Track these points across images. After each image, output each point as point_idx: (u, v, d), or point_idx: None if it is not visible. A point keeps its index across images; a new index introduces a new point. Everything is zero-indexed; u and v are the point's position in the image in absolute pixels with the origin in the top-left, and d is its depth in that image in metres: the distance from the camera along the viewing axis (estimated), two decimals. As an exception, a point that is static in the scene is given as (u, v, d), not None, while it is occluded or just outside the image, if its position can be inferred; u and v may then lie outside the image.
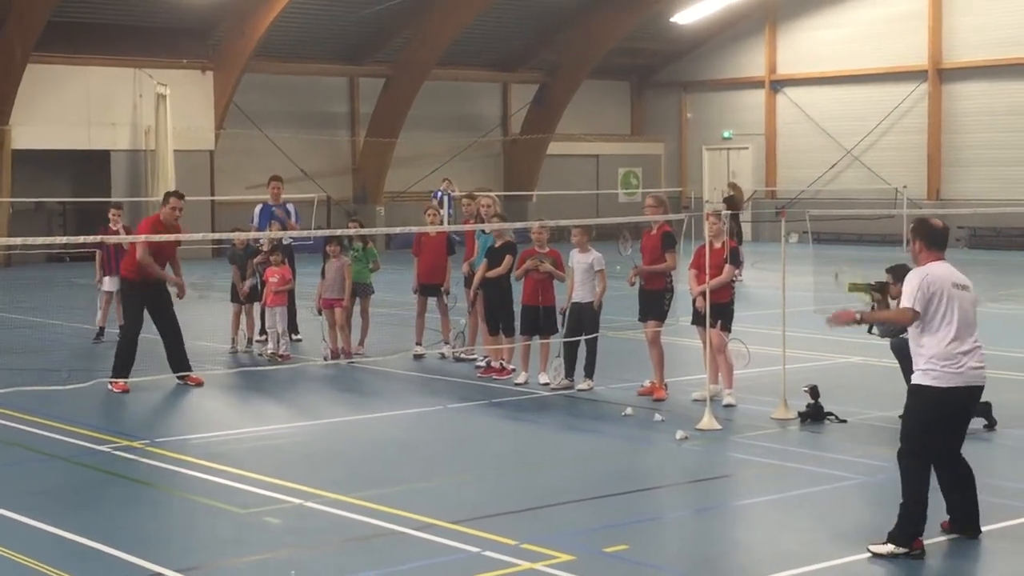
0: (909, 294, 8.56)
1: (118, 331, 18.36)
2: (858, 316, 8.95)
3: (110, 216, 18.82)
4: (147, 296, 14.81)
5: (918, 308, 8.50)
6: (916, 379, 8.59)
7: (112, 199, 29.43)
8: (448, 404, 13.85)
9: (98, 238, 17.65)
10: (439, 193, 33.58)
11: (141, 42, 34.03)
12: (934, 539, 8.62)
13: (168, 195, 15.42)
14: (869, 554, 8.32)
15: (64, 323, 20.49)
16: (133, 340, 14.73)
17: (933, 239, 8.75)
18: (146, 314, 14.85)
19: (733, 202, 28.92)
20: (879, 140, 39.11)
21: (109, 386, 14.49)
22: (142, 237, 14.64)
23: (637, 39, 41.76)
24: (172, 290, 15.00)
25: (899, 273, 11.97)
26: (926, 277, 8.54)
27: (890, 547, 8.34)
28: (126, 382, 14.55)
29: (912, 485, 8.49)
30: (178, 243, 15.34)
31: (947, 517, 8.83)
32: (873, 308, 11.04)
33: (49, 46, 31.86)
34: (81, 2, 32.95)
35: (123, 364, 14.65)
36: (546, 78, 41.92)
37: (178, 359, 14.99)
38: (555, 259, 14.80)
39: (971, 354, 8.54)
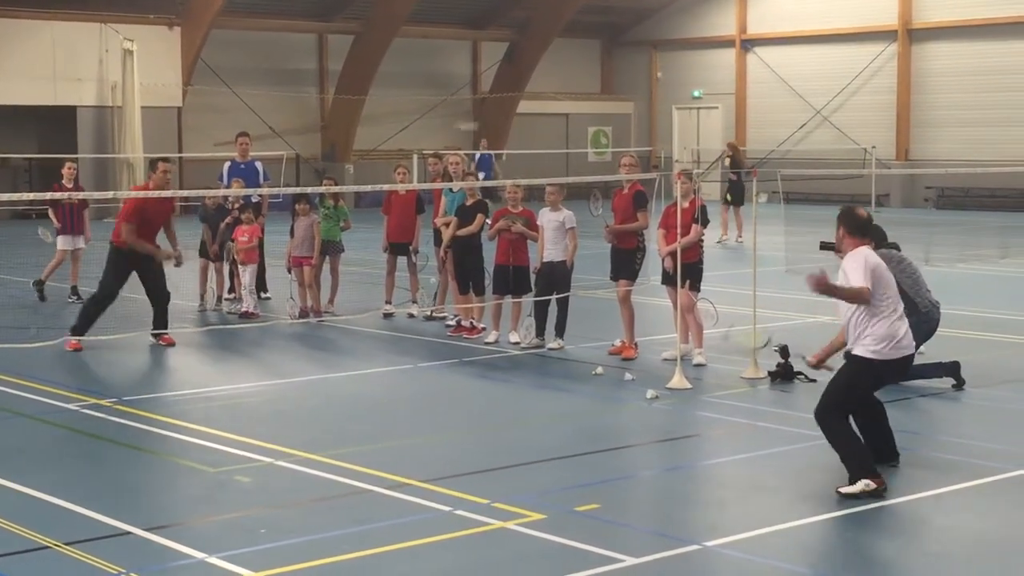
0: (858, 273, 8.82)
1: (70, 290, 18.31)
2: (825, 286, 8.92)
3: (64, 172, 18.49)
4: (136, 263, 14.58)
5: (870, 286, 8.81)
6: (861, 352, 8.95)
7: (79, 155, 29.17)
8: (418, 363, 13.83)
9: (51, 195, 17.38)
10: (477, 155, 34.54)
11: (108, -4, 33.71)
12: (897, 499, 8.69)
13: (155, 161, 15.11)
14: (840, 497, 8.56)
15: (31, 280, 20.29)
16: (102, 304, 14.55)
17: (857, 227, 9.11)
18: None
19: (737, 159, 28.75)
20: (848, 100, 39.13)
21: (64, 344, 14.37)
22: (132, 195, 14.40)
23: (608, -3, 41.62)
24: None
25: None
26: (867, 260, 8.88)
27: (860, 484, 8.58)
28: (79, 340, 14.38)
29: (841, 436, 8.90)
30: (172, 209, 15.05)
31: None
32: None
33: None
34: (46, -45, 32.61)
35: (84, 323, 14.48)
36: (516, 36, 41.72)
37: (160, 320, 14.86)
38: (528, 219, 14.75)
39: (905, 327, 9.00)
